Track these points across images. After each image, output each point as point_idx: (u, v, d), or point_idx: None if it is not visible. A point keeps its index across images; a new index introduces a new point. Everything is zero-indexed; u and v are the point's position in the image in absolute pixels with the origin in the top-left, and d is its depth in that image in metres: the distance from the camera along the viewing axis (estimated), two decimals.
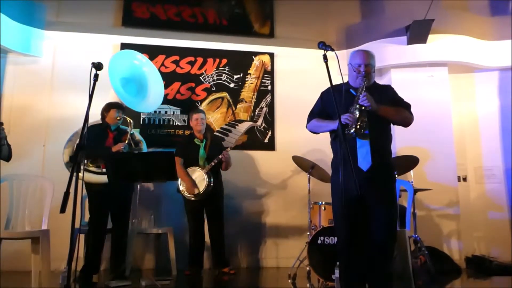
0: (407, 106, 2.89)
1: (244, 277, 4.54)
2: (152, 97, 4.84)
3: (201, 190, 4.22)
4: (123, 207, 3.98)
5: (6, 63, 4.99)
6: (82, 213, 2.42)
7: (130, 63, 4.74)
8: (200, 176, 4.29)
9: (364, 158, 2.70)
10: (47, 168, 4.74)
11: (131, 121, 4.04)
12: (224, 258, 4.39)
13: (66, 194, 2.26)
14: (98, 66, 2.65)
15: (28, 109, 4.94)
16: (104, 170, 3.81)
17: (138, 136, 4.35)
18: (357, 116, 2.66)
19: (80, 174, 2.43)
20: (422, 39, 5.16)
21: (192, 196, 4.25)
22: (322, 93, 3.06)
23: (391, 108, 2.79)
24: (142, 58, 4.89)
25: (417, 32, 5.07)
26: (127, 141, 3.92)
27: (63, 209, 2.23)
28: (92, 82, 2.60)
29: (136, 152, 4.02)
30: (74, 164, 2.35)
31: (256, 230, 5.16)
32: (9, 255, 4.03)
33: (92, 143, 3.65)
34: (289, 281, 4.01)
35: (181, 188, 4.30)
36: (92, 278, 3.80)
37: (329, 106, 2.91)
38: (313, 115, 3.04)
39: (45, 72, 5.09)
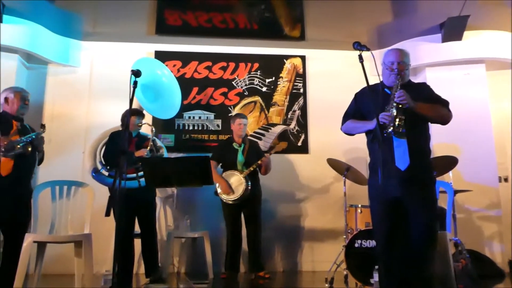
0: (445, 103, 2.80)
1: (280, 281, 4.53)
2: (168, 105, 4.81)
3: (238, 194, 4.25)
4: (148, 211, 4.01)
5: (46, 73, 5.21)
6: (117, 218, 2.48)
7: (153, 71, 4.75)
8: (238, 181, 4.32)
9: (401, 157, 2.64)
10: (87, 174, 4.87)
11: (153, 128, 4.10)
12: (260, 262, 4.40)
13: (111, 198, 2.33)
14: (137, 73, 2.73)
15: (68, 118, 5.11)
16: (128, 175, 3.86)
17: (159, 143, 4.39)
18: (394, 114, 2.61)
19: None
20: (458, 36, 5.04)
21: (230, 199, 4.28)
22: (356, 94, 3.02)
23: (428, 105, 2.70)
24: (165, 69, 4.88)
25: (452, 29, 4.96)
26: (149, 147, 3.98)
27: (108, 213, 2.30)
28: (131, 88, 2.67)
29: (161, 156, 4.09)
30: (117, 169, 2.42)
31: (291, 234, 5.15)
32: (52, 259, 4.17)
33: (115, 149, 3.76)
34: (326, 285, 3.97)
35: (219, 190, 4.34)
36: (129, 283, 3.86)
37: (364, 106, 2.88)
38: (347, 116, 3.00)
39: (83, 81, 5.27)
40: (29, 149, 3.38)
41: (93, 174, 4.11)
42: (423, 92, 2.83)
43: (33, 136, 3.42)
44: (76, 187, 3.69)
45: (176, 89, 4.83)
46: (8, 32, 4.63)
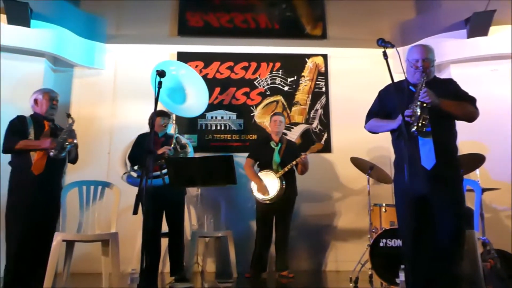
0: (472, 100, 2.75)
1: (304, 280, 4.52)
2: (192, 102, 4.79)
3: (272, 195, 4.26)
4: (177, 210, 4.05)
5: (72, 76, 5.32)
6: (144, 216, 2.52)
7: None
8: (272, 181, 4.33)
9: (427, 156, 2.60)
10: (112, 174, 4.97)
11: (176, 126, 4.13)
12: (285, 261, 4.39)
13: (138, 196, 2.37)
14: (161, 73, 2.77)
15: (93, 119, 5.21)
16: (155, 173, 3.90)
17: (184, 140, 4.38)
18: (418, 113, 2.57)
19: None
20: (483, 32, 4.94)
21: (264, 199, 4.29)
22: (380, 92, 2.99)
23: (453, 103, 2.66)
24: (177, 65, 4.83)
25: (478, 25, 4.86)
26: (172, 145, 4.01)
27: (135, 211, 2.34)
28: (156, 88, 2.72)
29: (186, 156, 4.09)
30: (143, 168, 2.46)
31: (315, 233, 5.13)
32: (79, 258, 4.25)
33: (140, 150, 3.83)
34: (351, 284, 3.94)
35: (254, 190, 4.37)
36: (155, 282, 3.91)
37: (388, 104, 2.85)
38: (371, 114, 2.98)
39: (108, 83, 5.37)
40: (75, 141, 3.49)
41: (129, 180, 4.13)
42: (449, 89, 2.78)
43: (69, 131, 3.51)
44: (103, 187, 3.75)
45: (200, 86, 4.82)
46: (36, 37, 4.76)
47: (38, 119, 3.56)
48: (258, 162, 4.56)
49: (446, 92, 2.70)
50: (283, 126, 4.59)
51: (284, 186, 4.28)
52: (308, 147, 4.45)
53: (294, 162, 4.30)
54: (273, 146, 4.48)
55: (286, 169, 4.30)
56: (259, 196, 4.33)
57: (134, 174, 4.15)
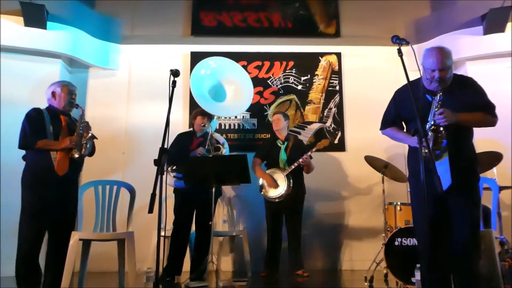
0: (490, 108, 2.67)
1: (319, 279, 4.51)
2: (232, 100, 4.76)
3: (279, 193, 4.26)
4: (206, 210, 4.01)
5: (88, 77, 5.38)
6: (159, 215, 2.52)
7: (199, 76, 4.62)
8: (279, 179, 4.33)
9: (443, 177, 2.49)
10: (127, 173, 5.03)
11: (211, 125, 4.15)
12: (299, 260, 4.39)
13: (153, 195, 2.38)
14: (175, 73, 2.77)
15: (108, 119, 5.26)
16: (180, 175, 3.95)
17: (221, 140, 4.36)
18: (431, 139, 2.50)
19: (163, 177, 2.54)
20: (500, 28, 4.87)
21: (273, 196, 4.29)
22: (395, 95, 2.90)
23: (472, 117, 2.61)
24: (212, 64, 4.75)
25: (495, 21, 4.79)
26: (206, 145, 4.03)
27: (151, 210, 2.34)
28: (170, 88, 2.72)
29: (210, 156, 4.10)
30: (158, 166, 2.47)
31: (329, 232, 5.11)
32: (95, 257, 4.29)
33: (176, 150, 3.85)
34: (366, 284, 3.93)
35: (262, 188, 4.37)
36: (174, 279, 3.93)
37: (402, 112, 2.80)
38: (387, 122, 2.92)
39: (122, 84, 5.42)
40: (90, 133, 3.38)
41: (175, 184, 4.12)
42: (468, 95, 2.68)
43: (83, 123, 3.39)
44: (118, 187, 3.78)
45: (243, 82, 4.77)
46: (52, 38, 4.83)
47: (54, 113, 3.38)
48: (265, 162, 4.55)
49: (465, 99, 2.64)
50: (284, 123, 4.55)
51: (291, 185, 4.26)
52: (312, 146, 4.47)
53: (296, 164, 4.28)
54: (279, 144, 4.49)
55: (292, 166, 4.29)
56: (267, 194, 4.34)
57: (172, 175, 4.12)
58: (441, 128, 2.51)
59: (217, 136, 4.36)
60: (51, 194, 3.22)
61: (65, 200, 3.33)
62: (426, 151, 2.39)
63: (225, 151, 4.23)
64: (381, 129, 2.97)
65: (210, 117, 4.23)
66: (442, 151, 2.54)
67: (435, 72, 2.60)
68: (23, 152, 3.38)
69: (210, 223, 3.76)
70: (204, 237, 3.96)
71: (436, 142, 2.52)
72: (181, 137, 4.18)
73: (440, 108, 2.55)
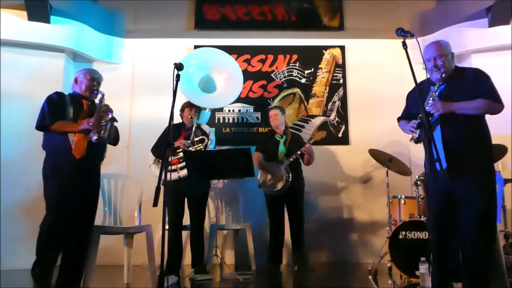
0: (492, 94, 2.65)
1: (324, 273, 4.52)
2: (221, 92, 4.79)
3: (279, 186, 4.26)
4: (200, 203, 4.05)
5: None
6: (163, 209, 2.52)
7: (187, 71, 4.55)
8: (278, 171, 4.33)
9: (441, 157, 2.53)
10: (132, 168, 5.04)
11: (193, 116, 4.11)
12: (304, 254, 4.39)
13: (158, 189, 2.39)
14: (179, 66, 2.77)
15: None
16: (173, 167, 3.91)
17: (208, 130, 4.27)
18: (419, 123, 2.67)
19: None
20: (506, 20, 4.83)
21: (273, 190, 4.29)
22: (409, 92, 3.01)
23: (470, 104, 2.61)
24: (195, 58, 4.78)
25: (500, 13, 4.76)
26: (191, 137, 3.98)
27: (155, 203, 2.35)
28: (174, 81, 2.73)
29: (212, 150, 4.09)
30: (162, 160, 2.47)
31: (334, 226, 5.11)
32: (100, 250, 4.32)
33: (162, 141, 3.84)
34: (370, 277, 3.94)
35: (263, 181, 4.36)
36: (177, 272, 3.94)
37: (412, 107, 2.91)
38: (401, 117, 3.07)
39: (126, 78, 5.41)
40: (110, 116, 3.24)
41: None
42: (470, 83, 2.69)
43: (102, 106, 3.26)
44: (123, 181, 3.79)
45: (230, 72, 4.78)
46: (55, 32, 4.83)
47: (76, 98, 3.32)
48: (265, 155, 4.54)
49: (467, 87, 2.66)
50: (280, 118, 4.50)
51: (290, 179, 4.24)
52: (311, 138, 4.47)
53: (299, 152, 4.27)
54: (278, 138, 4.48)
55: (291, 159, 4.27)
56: (265, 188, 4.34)
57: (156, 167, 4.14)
58: (430, 118, 2.60)
59: (205, 127, 4.28)
60: (69, 179, 3.08)
61: (85, 187, 3.19)
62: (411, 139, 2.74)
63: (210, 142, 4.11)
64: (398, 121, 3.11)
65: (198, 109, 4.23)
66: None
67: (430, 61, 2.71)
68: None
69: (214, 216, 3.77)
70: (198, 230, 3.99)
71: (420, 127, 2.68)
72: (166, 129, 4.10)
73: (436, 97, 2.66)
